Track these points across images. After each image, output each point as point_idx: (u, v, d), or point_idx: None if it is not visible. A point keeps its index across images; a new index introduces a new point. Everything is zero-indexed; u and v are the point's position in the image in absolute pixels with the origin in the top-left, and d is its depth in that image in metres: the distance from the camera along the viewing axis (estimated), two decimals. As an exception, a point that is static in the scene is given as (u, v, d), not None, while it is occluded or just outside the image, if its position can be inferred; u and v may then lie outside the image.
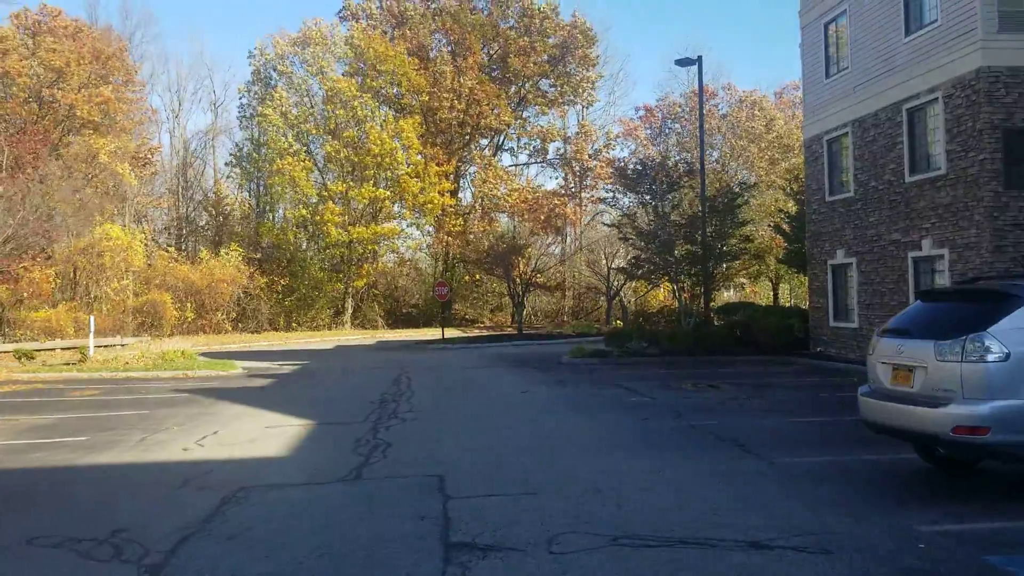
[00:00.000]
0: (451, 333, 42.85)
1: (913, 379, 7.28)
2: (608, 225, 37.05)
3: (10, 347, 26.32)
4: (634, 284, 41.03)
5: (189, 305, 42.10)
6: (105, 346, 29.28)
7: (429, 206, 48.59)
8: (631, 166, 27.42)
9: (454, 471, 8.67)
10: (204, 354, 31.62)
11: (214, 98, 73.51)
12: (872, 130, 20.67)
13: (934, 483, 8.01)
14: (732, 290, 50.27)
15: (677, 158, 29.10)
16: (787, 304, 42.02)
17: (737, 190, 27.22)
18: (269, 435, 11.29)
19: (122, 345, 31.11)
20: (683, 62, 26.98)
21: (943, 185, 17.94)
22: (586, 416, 12.61)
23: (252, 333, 44.28)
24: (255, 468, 9.17)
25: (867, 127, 20.90)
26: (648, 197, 25.85)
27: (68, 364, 23.51)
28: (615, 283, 43.20)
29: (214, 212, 56.23)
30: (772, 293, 44.76)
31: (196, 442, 10.82)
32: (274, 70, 49.88)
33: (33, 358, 24.09)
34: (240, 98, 52.17)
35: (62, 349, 26.68)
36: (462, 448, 10.04)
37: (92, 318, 26.09)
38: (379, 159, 46.93)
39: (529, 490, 7.75)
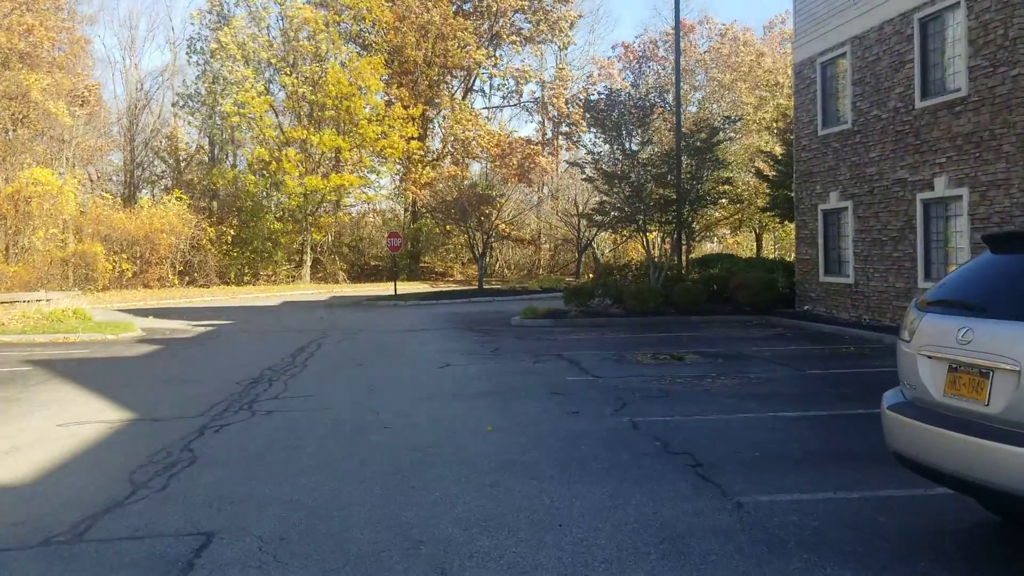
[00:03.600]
0: (414, 288, 39.72)
1: (990, 390, 4.10)
2: (570, 163, 33.62)
3: None
4: (612, 235, 37.69)
5: (124, 257, 38.54)
6: (25, 302, 25.99)
7: (389, 151, 44.86)
8: (597, 95, 23.85)
9: (240, 524, 5.50)
10: (126, 311, 28.50)
11: (172, 36, 68.68)
12: (876, 47, 17.29)
13: (1012, 554, 4.89)
14: (715, 242, 47.15)
15: (654, 97, 25.54)
16: (771, 256, 38.94)
17: (718, 125, 23.72)
18: (45, 440, 8.08)
19: (46, 300, 27.71)
20: (657, -23, 23.35)
21: (964, 110, 14.67)
22: (499, 407, 9.43)
23: (201, 288, 40.95)
24: (-56, 513, 5.98)
25: (869, 44, 17.52)
26: (615, 133, 22.36)
27: (-66, 327, 20.10)
28: (586, 234, 39.87)
29: (167, 157, 52.32)
30: (756, 245, 41.62)
31: (-71, 454, 7.61)
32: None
33: None
34: (191, 24, 47.86)
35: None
36: (293, 471, 6.86)
37: (-24, 273, 22.60)
38: (337, 101, 43.06)
39: (330, 574, 4.59)
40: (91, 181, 48.18)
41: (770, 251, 43.18)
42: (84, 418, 9.21)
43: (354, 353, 14.96)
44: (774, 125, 33.54)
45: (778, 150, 30.85)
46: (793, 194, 21.57)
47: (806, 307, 20.08)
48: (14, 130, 39.37)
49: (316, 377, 11.99)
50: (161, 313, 26.83)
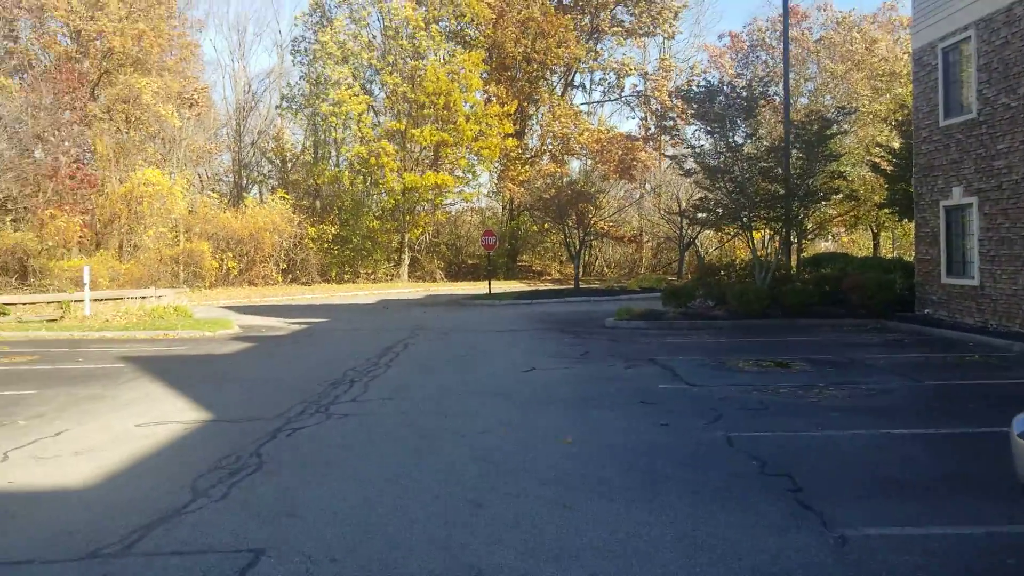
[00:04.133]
0: (511, 286, 39.52)
1: None
2: (670, 158, 32.59)
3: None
4: (718, 234, 36.35)
5: (229, 255, 39.58)
6: (132, 299, 26.93)
7: (486, 151, 44.63)
8: (696, 87, 22.77)
9: (292, 540, 5.15)
10: (230, 307, 29.23)
11: (279, 39, 70.17)
12: (1004, 30, 15.87)
13: None
14: (829, 240, 45.15)
15: (759, 87, 24.38)
16: (888, 256, 36.92)
17: (831, 116, 22.33)
18: (120, 441, 7.98)
19: (157, 297, 28.71)
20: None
21: (1109, 95, 13.24)
22: (582, 416, 8.86)
23: (303, 285, 41.78)
24: None
25: (997, 27, 16.10)
26: (716, 125, 21.34)
27: (47, 321, 20.86)
28: (688, 232, 38.70)
29: (273, 157, 53.62)
30: (872, 243, 39.56)
31: (7, 451, 7.60)
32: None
33: (6, 313, 21.55)
34: (294, 26, 48.77)
35: (49, 303, 24.01)
36: (356, 480, 6.50)
37: (87, 268, 23.42)
38: (435, 98, 43.11)
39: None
40: (201, 181, 49.80)
41: (887, 250, 41.03)
42: (163, 418, 9.13)
43: (441, 353, 14.63)
44: (891, 116, 31.73)
45: (896, 143, 29.15)
46: (912, 190, 20.17)
47: (926, 311, 18.72)
48: (127, 132, 40.95)
49: (398, 379, 11.68)
50: (262, 310, 27.32)
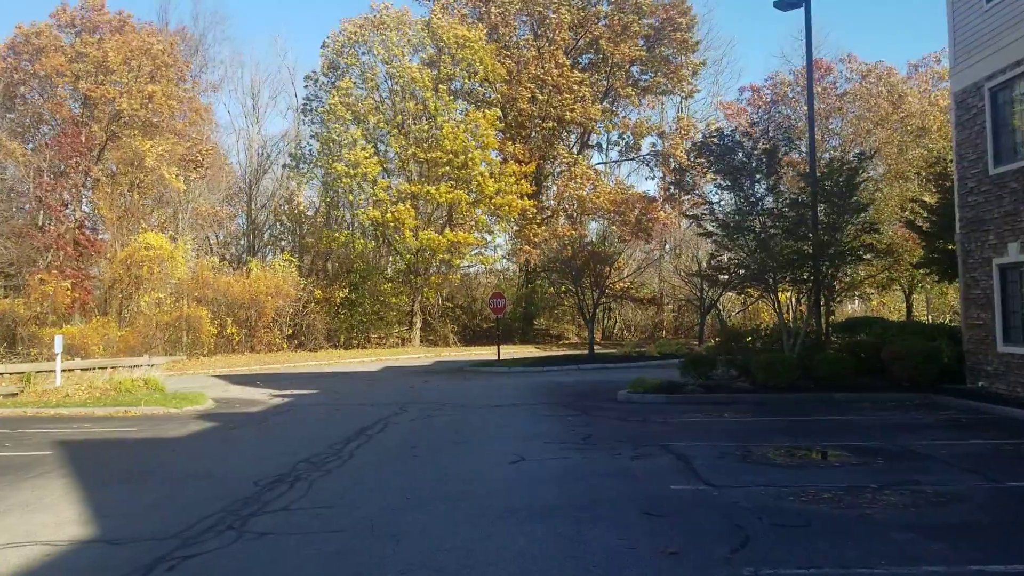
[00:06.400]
0: (524, 351, 37.54)
1: None
2: (686, 215, 30.67)
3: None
4: (740, 296, 34.20)
5: (229, 321, 37.86)
6: (128, 367, 25.12)
7: (506, 209, 43.01)
8: (711, 141, 20.83)
9: None
10: (223, 377, 27.53)
11: (295, 104, 69.49)
12: (1065, 64, 13.99)
13: None
14: (857, 302, 42.84)
15: (780, 136, 22.49)
16: (922, 319, 34.57)
17: (854, 162, 20.29)
18: (-55, 578, 6.03)
19: (150, 366, 26.92)
20: (784, 5, 20.70)
21: None
22: (567, 536, 6.74)
23: (309, 351, 39.94)
24: None
25: (1057, 61, 14.22)
26: (734, 177, 19.37)
27: (3, 397, 19.07)
28: (709, 294, 36.64)
29: (286, 220, 52.32)
30: (905, 305, 37.17)
31: None
32: (340, 56, 44.83)
33: (-43, 389, 19.79)
34: (305, 86, 47.43)
35: (10, 374, 22.05)
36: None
37: (59, 338, 21.67)
38: (451, 155, 41.63)
39: None
40: (209, 245, 48.57)
41: (920, 313, 38.62)
42: (30, 536, 7.15)
43: (419, 438, 12.58)
44: (924, 171, 29.82)
45: (927, 197, 27.19)
46: (956, 247, 18.07)
47: (980, 383, 16.44)
48: (131, 195, 39.80)
49: (354, 475, 9.66)
50: (253, 380, 25.47)
